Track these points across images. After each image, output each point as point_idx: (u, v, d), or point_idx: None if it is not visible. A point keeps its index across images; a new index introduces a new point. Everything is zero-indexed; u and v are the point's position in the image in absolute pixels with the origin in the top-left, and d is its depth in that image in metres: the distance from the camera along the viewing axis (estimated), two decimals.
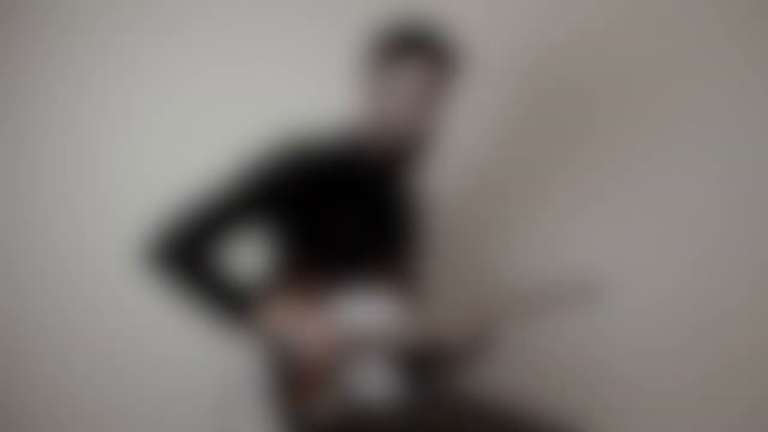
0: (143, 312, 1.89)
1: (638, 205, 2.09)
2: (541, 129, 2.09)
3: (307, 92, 1.98)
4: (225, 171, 1.52)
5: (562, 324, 2.00)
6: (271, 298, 1.43)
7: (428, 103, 1.51)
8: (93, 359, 1.95)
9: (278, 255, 1.54)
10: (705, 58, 2.11)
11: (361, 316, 1.47)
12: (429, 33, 1.53)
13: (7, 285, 1.94)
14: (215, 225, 1.45)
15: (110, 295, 1.93)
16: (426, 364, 1.68)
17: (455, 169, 2.05)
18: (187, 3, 2.00)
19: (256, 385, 1.45)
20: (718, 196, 2.10)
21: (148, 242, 1.43)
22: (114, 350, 1.95)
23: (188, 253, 1.42)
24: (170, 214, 1.47)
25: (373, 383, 1.46)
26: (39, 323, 1.94)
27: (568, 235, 2.07)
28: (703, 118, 2.11)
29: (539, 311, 1.53)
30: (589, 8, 2.09)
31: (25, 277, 1.94)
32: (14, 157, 1.96)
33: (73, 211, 1.97)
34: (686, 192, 2.10)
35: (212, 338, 1.53)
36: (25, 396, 1.93)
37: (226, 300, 1.40)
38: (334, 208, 1.53)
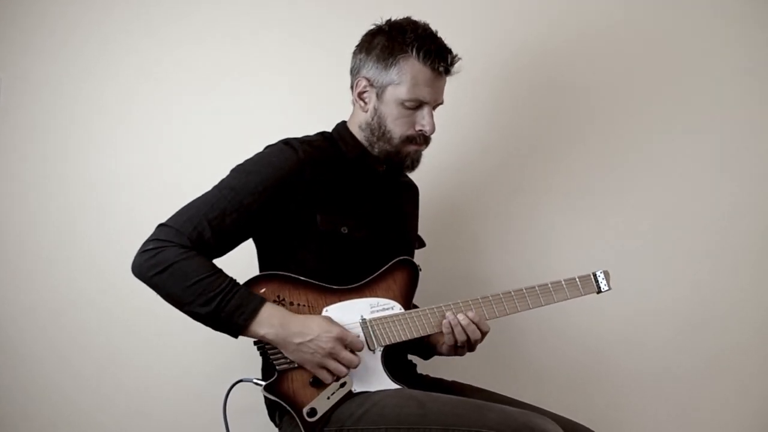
0: (147, 311, 1.92)
1: (637, 203, 2.10)
2: (540, 129, 2.11)
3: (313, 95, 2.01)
4: (232, 172, 1.53)
5: (561, 319, 2.02)
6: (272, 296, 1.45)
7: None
8: (96, 360, 1.98)
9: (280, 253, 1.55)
10: (703, 59, 2.12)
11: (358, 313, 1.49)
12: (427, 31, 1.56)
13: (10, 285, 1.97)
14: (222, 225, 1.45)
15: (116, 295, 1.96)
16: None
17: (454, 169, 2.07)
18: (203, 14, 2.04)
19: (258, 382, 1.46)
20: (716, 195, 2.11)
21: (155, 240, 1.43)
22: (117, 351, 1.98)
23: (194, 252, 1.42)
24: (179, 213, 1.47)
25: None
26: (42, 323, 1.96)
27: (567, 233, 2.09)
28: (702, 118, 2.12)
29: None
30: (587, 8, 2.11)
31: (29, 276, 1.97)
32: (18, 158, 1.99)
33: (79, 210, 1.99)
34: (685, 191, 2.11)
35: (215, 337, 1.55)
36: (27, 396, 1.96)
37: (229, 299, 1.40)
38: (337, 208, 1.55)
